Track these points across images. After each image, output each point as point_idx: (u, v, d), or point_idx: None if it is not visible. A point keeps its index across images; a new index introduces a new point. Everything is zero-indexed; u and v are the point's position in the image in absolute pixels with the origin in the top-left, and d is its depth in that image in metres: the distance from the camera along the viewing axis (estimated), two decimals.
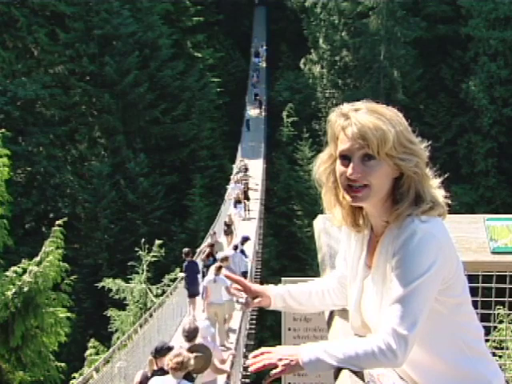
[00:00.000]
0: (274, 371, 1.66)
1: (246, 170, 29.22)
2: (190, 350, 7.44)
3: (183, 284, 14.72)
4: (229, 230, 20.30)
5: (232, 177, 29.78)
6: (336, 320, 1.98)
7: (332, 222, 1.91)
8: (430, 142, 1.76)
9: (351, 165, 1.68)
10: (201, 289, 13.91)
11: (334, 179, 1.76)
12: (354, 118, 1.69)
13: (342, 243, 1.94)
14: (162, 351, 7.45)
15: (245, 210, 25.15)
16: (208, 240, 16.77)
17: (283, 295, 1.96)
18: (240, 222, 23.35)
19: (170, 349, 7.37)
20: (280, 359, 1.65)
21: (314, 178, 1.82)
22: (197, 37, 47.35)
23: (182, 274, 14.60)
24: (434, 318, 1.69)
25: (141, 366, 10.92)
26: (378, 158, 1.66)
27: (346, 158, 1.70)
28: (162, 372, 6.95)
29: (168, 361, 6.40)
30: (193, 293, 14.16)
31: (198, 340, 8.09)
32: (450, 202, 1.76)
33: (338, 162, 1.72)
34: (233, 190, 25.74)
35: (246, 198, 25.65)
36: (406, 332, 1.59)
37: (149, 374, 7.32)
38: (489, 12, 44.11)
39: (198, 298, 14.14)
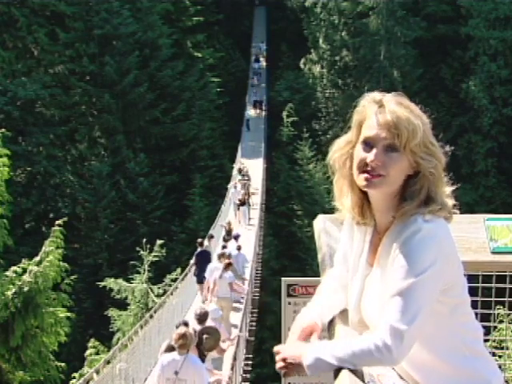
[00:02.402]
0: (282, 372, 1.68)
1: (247, 173, 29.14)
2: (202, 331, 7.99)
3: (193, 271, 15.39)
4: (228, 237, 20.30)
5: (231, 180, 29.72)
6: (336, 321, 1.97)
7: (338, 212, 1.88)
8: (452, 148, 1.77)
9: (374, 151, 1.67)
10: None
11: (350, 165, 1.75)
12: (389, 107, 1.69)
13: (342, 241, 1.93)
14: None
15: (246, 217, 25.08)
16: (206, 243, 16.83)
17: (323, 313, 1.88)
18: (240, 227, 23.33)
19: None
20: (284, 359, 1.67)
21: (328, 163, 1.80)
22: (197, 37, 47.32)
23: (192, 261, 15.12)
24: (435, 318, 1.69)
25: (141, 367, 10.93)
26: (401, 151, 1.67)
27: (368, 144, 1.69)
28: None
29: (174, 340, 6.72)
30: (202, 279, 14.71)
31: (209, 322, 8.81)
32: (457, 212, 1.76)
33: (359, 147, 1.71)
34: (233, 195, 25.78)
35: (248, 203, 25.59)
36: (402, 327, 1.58)
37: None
38: (489, 12, 44.11)
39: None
